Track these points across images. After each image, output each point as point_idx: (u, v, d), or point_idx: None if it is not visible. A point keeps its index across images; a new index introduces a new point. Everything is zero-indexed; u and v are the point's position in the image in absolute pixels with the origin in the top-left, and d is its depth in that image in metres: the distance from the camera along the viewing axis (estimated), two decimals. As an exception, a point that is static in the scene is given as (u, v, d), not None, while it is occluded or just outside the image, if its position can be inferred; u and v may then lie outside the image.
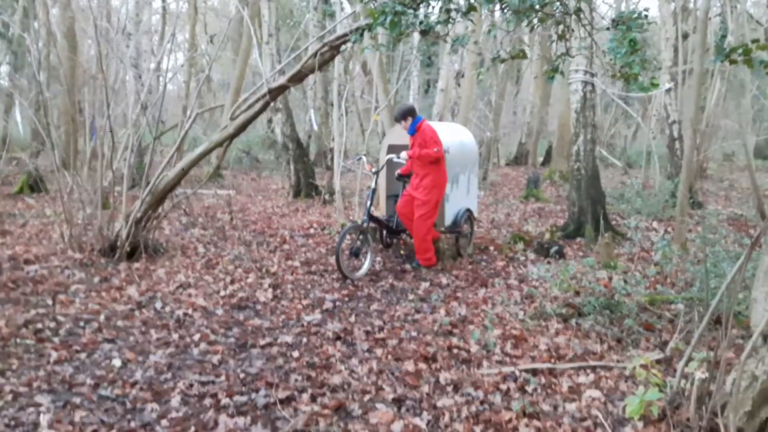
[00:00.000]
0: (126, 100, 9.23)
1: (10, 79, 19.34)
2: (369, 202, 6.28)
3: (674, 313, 4.98)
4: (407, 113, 6.44)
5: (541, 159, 22.02)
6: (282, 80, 6.30)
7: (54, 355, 4.01)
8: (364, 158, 6.71)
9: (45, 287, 5.39)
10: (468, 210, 7.22)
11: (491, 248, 7.53)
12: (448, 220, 6.91)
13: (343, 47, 6.40)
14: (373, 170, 6.53)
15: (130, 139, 7.17)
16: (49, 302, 5.01)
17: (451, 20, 5.30)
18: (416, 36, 10.26)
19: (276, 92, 6.36)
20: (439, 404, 3.49)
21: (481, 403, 3.52)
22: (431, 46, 18.55)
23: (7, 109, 19.40)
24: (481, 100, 18.78)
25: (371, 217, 6.35)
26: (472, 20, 6.12)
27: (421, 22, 5.31)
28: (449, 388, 3.69)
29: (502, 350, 4.29)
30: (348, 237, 6.50)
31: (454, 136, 7.25)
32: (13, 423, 3.19)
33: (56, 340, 4.29)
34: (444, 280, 6.06)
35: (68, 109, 11.44)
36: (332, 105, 16.83)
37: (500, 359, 4.15)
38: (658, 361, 3.98)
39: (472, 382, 3.75)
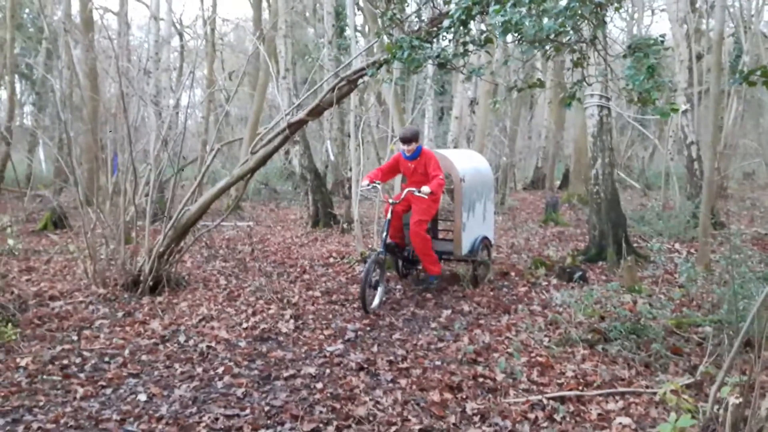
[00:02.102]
0: (147, 137, 9.40)
1: (34, 119, 19.86)
2: (385, 233, 6.22)
3: (702, 336, 4.89)
4: (416, 137, 6.41)
5: (558, 183, 21.95)
6: (301, 115, 6.39)
7: (80, 390, 4.04)
8: (379, 186, 6.50)
9: (70, 323, 5.45)
10: (485, 237, 7.12)
11: (512, 274, 7.48)
12: (465, 248, 6.77)
13: (360, 81, 6.50)
14: (390, 200, 6.41)
15: (152, 174, 7.29)
16: (75, 338, 5.06)
17: (467, 52, 5.37)
18: (430, 66, 10.39)
19: (295, 126, 6.46)
20: (466, 434, 3.44)
21: (510, 432, 3.47)
22: (444, 74, 18.74)
23: (31, 148, 19.89)
24: (496, 126, 18.85)
25: (387, 248, 6.29)
26: (488, 51, 6.19)
27: (437, 56, 5.38)
28: (476, 418, 3.64)
29: (528, 378, 4.23)
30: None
31: (469, 163, 7.15)
32: (41, 460, 3.21)
33: (82, 375, 4.32)
34: (466, 308, 6.01)
35: (91, 146, 11.68)
36: (348, 135, 16.99)
37: (527, 387, 4.09)
38: (688, 386, 3.90)
39: (499, 412, 3.70)
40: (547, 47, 4.98)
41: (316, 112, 6.57)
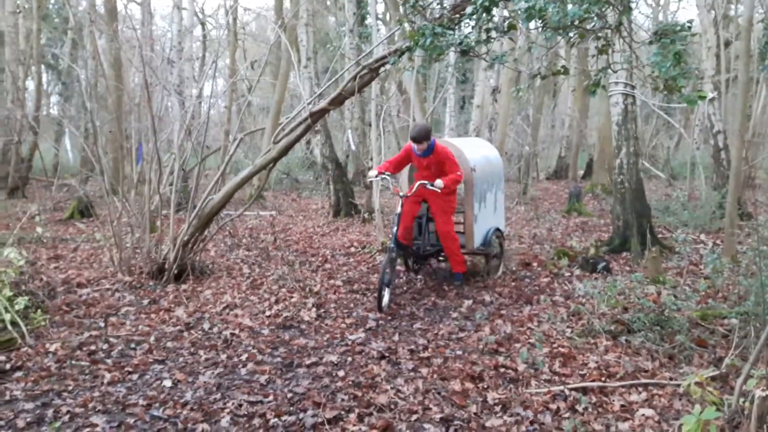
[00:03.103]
0: (171, 126, 9.49)
1: (60, 109, 20.17)
2: (395, 227, 5.84)
3: (728, 328, 4.82)
4: (427, 135, 6.02)
5: (581, 172, 21.70)
6: (323, 104, 6.41)
7: (107, 376, 4.13)
8: (388, 177, 6.17)
9: (97, 310, 5.56)
10: (497, 229, 6.89)
11: (534, 264, 7.43)
12: (477, 241, 6.53)
13: (381, 69, 6.48)
14: (401, 193, 6.06)
15: (176, 163, 7.37)
16: (102, 324, 5.16)
17: (490, 39, 5.32)
18: (452, 54, 10.31)
19: (317, 115, 6.47)
20: (488, 424, 3.45)
21: (531, 423, 3.46)
22: (466, 62, 18.58)
23: (57, 138, 20.22)
24: (519, 115, 18.67)
25: (398, 244, 5.92)
26: (511, 38, 6.13)
27: (460, 43, 5.34)
28: (497, 408, 3.64)
29: (550, 369, 4.22)
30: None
31: (479, 152, 6.87)
32: (71, 443, 3.29)
33: (109, 361, 4.41)
34: (487, 298, 6.00)
35: (116, 136, 11.84)
36: (369, 125, 16.98)
37: (549, 378, 4.08)
38: (713, 378, 3.86)
39: (520, 402, 3.70)
40: (572, 34, 4.91)
41: (338, 101, 6.58)
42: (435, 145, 6.08)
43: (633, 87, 8.28)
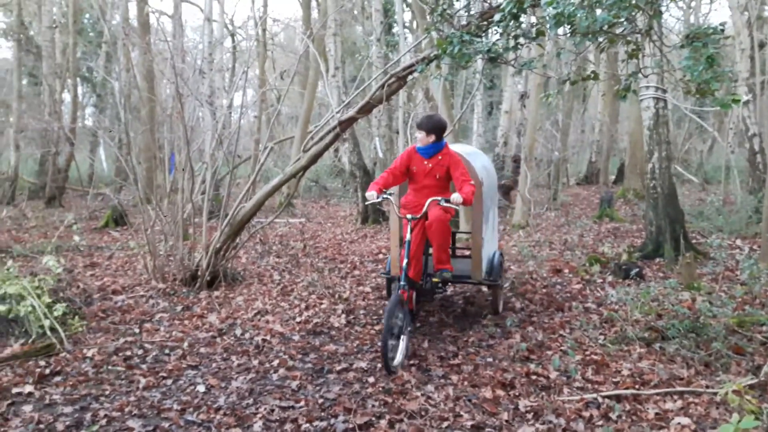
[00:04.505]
0: (202, 136, 9.66)
1: (95, 120, 20.68)
2: (406, 260, 4.58)
3: (766, 335, 4.70)
4: (438, 127, 4.87)
5: (612, 177, 21.40)
6: (351, 112, 6.46)
7: (143, 381, 4.21)
8: (391, 198, 4.92)
9: (132, 316, 5.68)
10: (500, 254, 5.79)
11: (566, 271, 7.35)
12: (485, 269, 5.34)
13: (409, 77, 6.51)
14: (408, 216, 4.73)
15: (208, 172, 7.50)
16: (137, 330, 5.27)
17: (518, 46, 5.31)
18: (479, 60, 10.29)
19: (346, 124, 6.53)
20: (518, 431, 3.43)
21: (564, 430, 3.43)
22: (494, 68, 18.53)
23: (92, 148, 20.73)
24: (548, 120, 18.52)
25: (408, 281, 4.63)
26: (540, 44, 6.10)
27: (488, 50, 5.34)
28: (529, 416, 3.62)
29: (582, 376, 4.17)
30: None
31: (479, 162, 5.67)
32: (109, 446, 3.37)
33: (144, 366, 4.50)
34: (518, 305, 5.96)
35: (149, 146, 12.09)
36: (397, 132, 17.02)
37: (581, 385, 4.03)
38: (751, 387, 3.77)
39: (553, 410, 3.66)
40: (601, 39, 4.87)
41: (366, 110, 6.63)
42: (445, 146, 4.95)
43: (664, 91, 8.16)
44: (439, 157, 4.89)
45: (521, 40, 5.38)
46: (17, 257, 7.62)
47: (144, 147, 12.72)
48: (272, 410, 3.73)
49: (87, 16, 20.85)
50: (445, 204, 4.71)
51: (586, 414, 3.60)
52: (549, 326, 5.28)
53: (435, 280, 4.98)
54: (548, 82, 14.15)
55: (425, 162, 4.92)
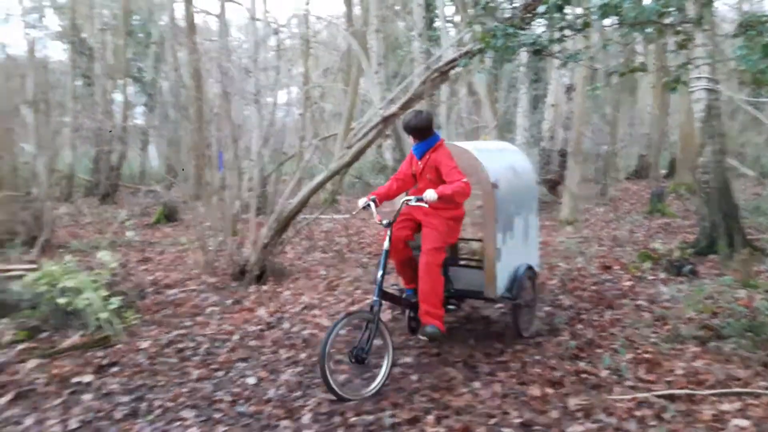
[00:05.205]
0: (249, 134, 9.84)
1: (145, 119, 21.30)
2: (381, 272, 4.12)
3: (831, 336, 4.50)
4: (422, 125, 4.39)
5: (663, 172, 20.80)
6: (394, 108, 6.47)
7: (195, 373, 4.33)
8: (372, 204, 4.43)
9: (184, 309, 5.83)
10: (528, 267, 4.95)
11: (615, 267, 7.19)
12: (502, 284, 4.65)
13: (451, 71, 6.48)
14: (384, 221, 4.30)
15: (255, 169, 7.65)
16: (188, 323, 5.41)
17: (564, 38, 5.22)
18: (524, 53, 10.14)
19: (389, 120, 6.54)
20: (569, 430, 3.38)
21: (615, 430, 3.37)
22: (539, 61, 18.23)
23: (143, 147, 21.34)
24: (595, 113, 18.12)
25: (384, 295, 4.20)
26: (586, 36, 5.98)
27: (533, 42, 5.27)
28: (579, 414, 3.56)
29: (634, 375, 4.08)
30: (344, 330, 4.36)
31: (503, 161, 5.00)
32: (164, 436, 3.48)
33: (196, 358, 4.62)
34: (566, 302, 5.86)
35: (198, 144, 12.36)
36: (439, 128, 16.95)
37: (633, 385, 3.95)
38: (815, 390, 3.62)
39: (603, 408, 3.60)
40: (649, 30, 4.75)
41: (409, 105, 6.62)
42: (438, 142, 4.45)
43: (717, 82, 7.88)
44: (429, 156, 4.40)
45: (566, 32, 5.29)
46: (75, 252, 7.91)
47: (193, 145, 13.01)
48: (320, 403, 3.78)
49: (136, 17, 21.45)
50: (416, 203, 4.17)
51: (639, 414, 3.53)
52: (599, 324, 5.18)
53: (421, 337, 4.33)
54: (595, 75, 13.83)
55: (419, 162, 4.47)
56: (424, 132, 4.40)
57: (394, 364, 4.15)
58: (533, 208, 5.25)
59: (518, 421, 3.50)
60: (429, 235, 4.30)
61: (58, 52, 26.68)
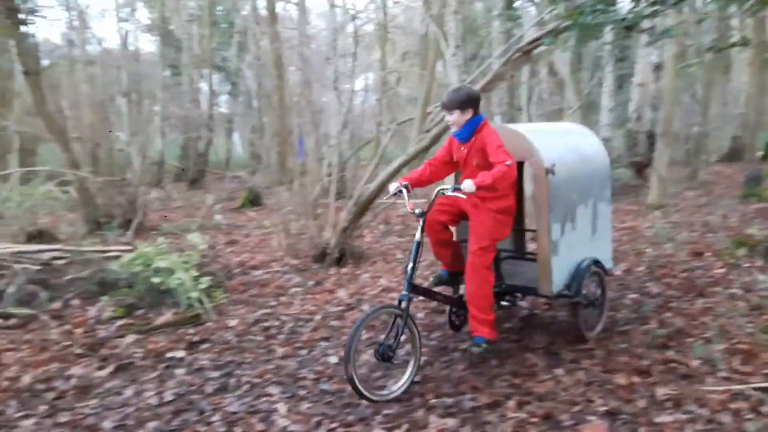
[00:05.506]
0: (329, 120, 10.00)
1: (230, 107, 22.06)
2: (411, 264, 3.86)
3: None
4: (465, 101, 3.91)
5: (760, 153, 19.46)
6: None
7: (280, 351, 4.50)
8: (404, 190, 4.08)
9: (269, 290, 6.06)
10: (595, 262, 4.48)
11: (707, 254, 6.83)
12: (559, 281, 4.20)
13: (534, 51, 6.31)
14: (417, 210, 3.95)
15: (334, 155, 7.79)
16: (273, 303, 5.62)
17: (656, 13, 4.96)
18: (609, 30, 9.72)
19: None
20: (657, 420, 3.27)
21: (708, 422, 3.23)
22: (624, 38, 17.43)
23: (228, 134, 22.14)
24: (685, 93, 17.14)
25: (415, 289, 3.96)
26: (679, 10, 5.65)
27: (623, 19, 5.04)
28: (668, 404, 3.43)
29: (728, 366, 3.88)
30: (370, 325, 4.16)
31: (562, 144, 4.48)
32: (251, 409, 3.65)
33: (281, 337, 4.80)
34: (654, 289, 5.63)
35: (280, 131, 12.71)
36: (519, 109, 16.58)
37: (727, 376, 3.76)
38: None
39: (695, 399, 3.45)
40: (749, 3, 4.43)
41: (490, 87, 6.51)
42: (482, 123, 3.97)
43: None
44: (473, 139, 3.94)
45: (659, 6, 5.02)
46: (166, 234, 8.35)
47: (275, 132, 13.39)
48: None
49: (220, 8, 22.15)
50: (452, 193, 3.73)
51: (733, 406, 3.36)
52: (689, 312, 4.95)
53: (473, 350, 3.95)
54: (687, 52, 13.06)
55: (462, 148, 4.04)
56: (468, 105, 3.91)
57: (417, 364, 3.85)
58: (604, 196, 4.72)
59: (603, 409, 3.41)
60: (475, 231, 3.96)
61: (148, 44, 27.98)
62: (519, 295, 4.63)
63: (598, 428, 3.20)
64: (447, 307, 4.68)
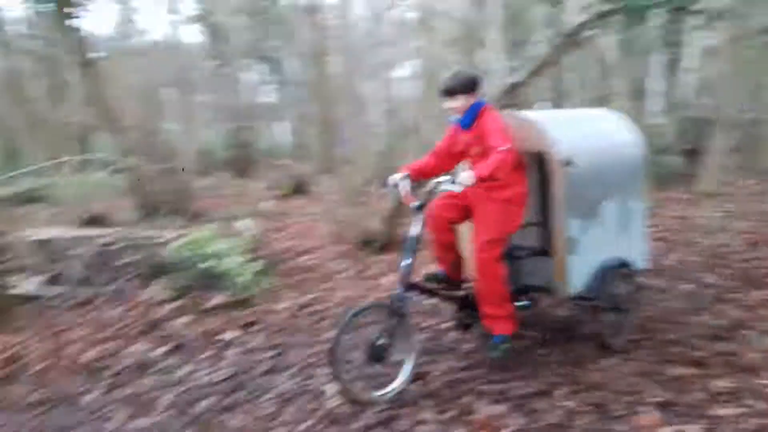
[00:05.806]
0: (372, 110, 10.02)
1: (276, 97, 22.33)
2: (407, 260, 3.59)
3: None
4: (465, 85, 3.60)
5: (821, 141, 18.63)
6: (520, 77, 6.30)
7: (326, 334, 4.56)
8: (401, 183, 3.82)
9: (315, 275, 6.16)
10: (622, 263, 4.07)
11: (764, 244, 6.60)
12: (579, 282, 3.87)
13: (581, 36, 6.19)
14: (415, 204, 3.67)
15: (377, 143, 7.81)
16: (319, 288, 5.71)
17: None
18: (657, 13, 9.44)
19: (514, 89, 6.38)
20: (711, 413, 3.21)
21: (766, 416, 3.14)
22: (673, 23, 16.87)
23: (274, 123, 22.42)
24: (740, 77, 16.50)
25: (412, 287, 3.71)
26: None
27: (671, 0, 4.89)
28: (724, 397, 3.36)
29: (787, 359, 3.77)
30: (358, 325, 3.58)
31: (585, 133, 4.09)
32: (302, 390, 3.74)
33: (327, 321, 4.88)
34: (708, 280, 5.48)
35: (324, 120, 12.79)
36: (564, 96, 16.26)
37: (786, 369, 3.65)
38: None
39: (752, 392, 3.37)
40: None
41: (537, 73, 6.42)
42: (483, 107, 3.64)
43: None
44: (475, 126, 3.62)
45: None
46: (216, 221, 8.53)
47: (320, 121, 13.48)
48: (449, 370, 3.85)
49: (264, -2, 22.35)
50: (449, 187, 3.43)
51: (794, 401, 3.27)
52: (745, 304, 4.80)
53: (493, 354, 3.72)
54: (741, 35, 12.55)
55: (464, 136, 3.72)
56: (468, 89, 3.59)
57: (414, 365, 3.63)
58: (635, 190, 4.20)
59: (656, 400, 3.36)
60: (480, 224, 3.66)
61: (195, 35, 28.52)
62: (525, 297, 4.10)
63: (652, 419, 3.15)
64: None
